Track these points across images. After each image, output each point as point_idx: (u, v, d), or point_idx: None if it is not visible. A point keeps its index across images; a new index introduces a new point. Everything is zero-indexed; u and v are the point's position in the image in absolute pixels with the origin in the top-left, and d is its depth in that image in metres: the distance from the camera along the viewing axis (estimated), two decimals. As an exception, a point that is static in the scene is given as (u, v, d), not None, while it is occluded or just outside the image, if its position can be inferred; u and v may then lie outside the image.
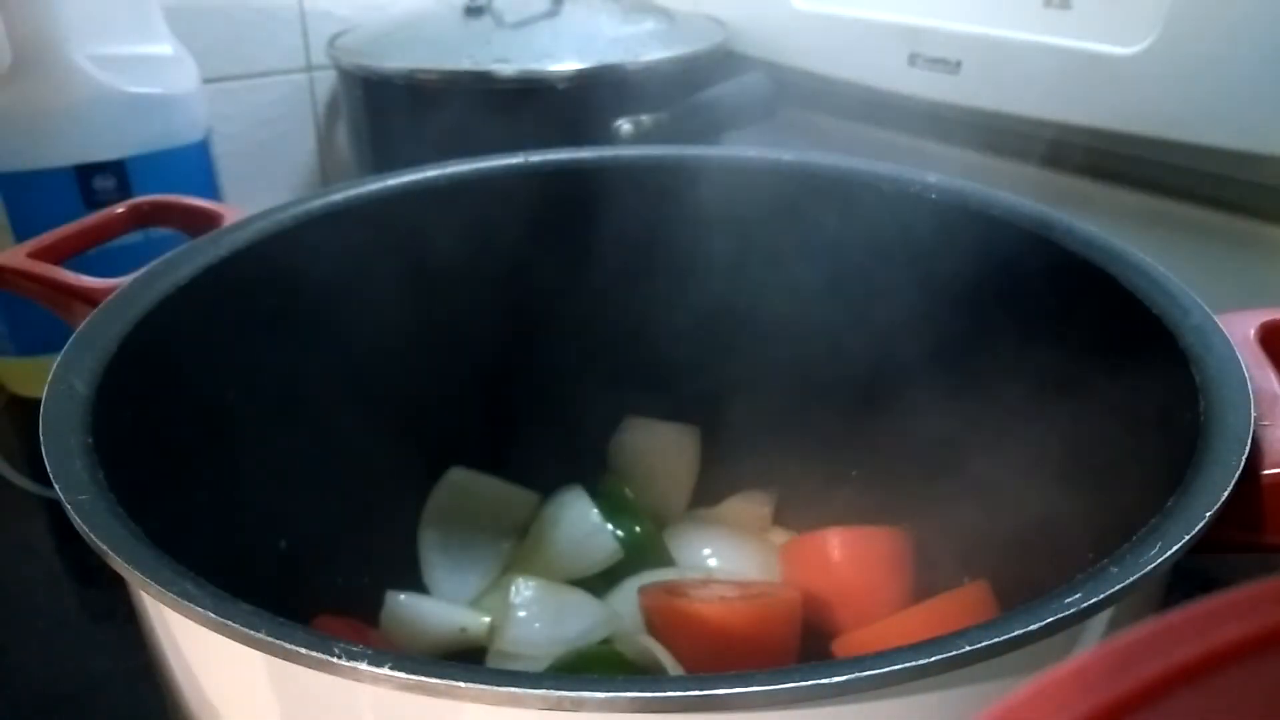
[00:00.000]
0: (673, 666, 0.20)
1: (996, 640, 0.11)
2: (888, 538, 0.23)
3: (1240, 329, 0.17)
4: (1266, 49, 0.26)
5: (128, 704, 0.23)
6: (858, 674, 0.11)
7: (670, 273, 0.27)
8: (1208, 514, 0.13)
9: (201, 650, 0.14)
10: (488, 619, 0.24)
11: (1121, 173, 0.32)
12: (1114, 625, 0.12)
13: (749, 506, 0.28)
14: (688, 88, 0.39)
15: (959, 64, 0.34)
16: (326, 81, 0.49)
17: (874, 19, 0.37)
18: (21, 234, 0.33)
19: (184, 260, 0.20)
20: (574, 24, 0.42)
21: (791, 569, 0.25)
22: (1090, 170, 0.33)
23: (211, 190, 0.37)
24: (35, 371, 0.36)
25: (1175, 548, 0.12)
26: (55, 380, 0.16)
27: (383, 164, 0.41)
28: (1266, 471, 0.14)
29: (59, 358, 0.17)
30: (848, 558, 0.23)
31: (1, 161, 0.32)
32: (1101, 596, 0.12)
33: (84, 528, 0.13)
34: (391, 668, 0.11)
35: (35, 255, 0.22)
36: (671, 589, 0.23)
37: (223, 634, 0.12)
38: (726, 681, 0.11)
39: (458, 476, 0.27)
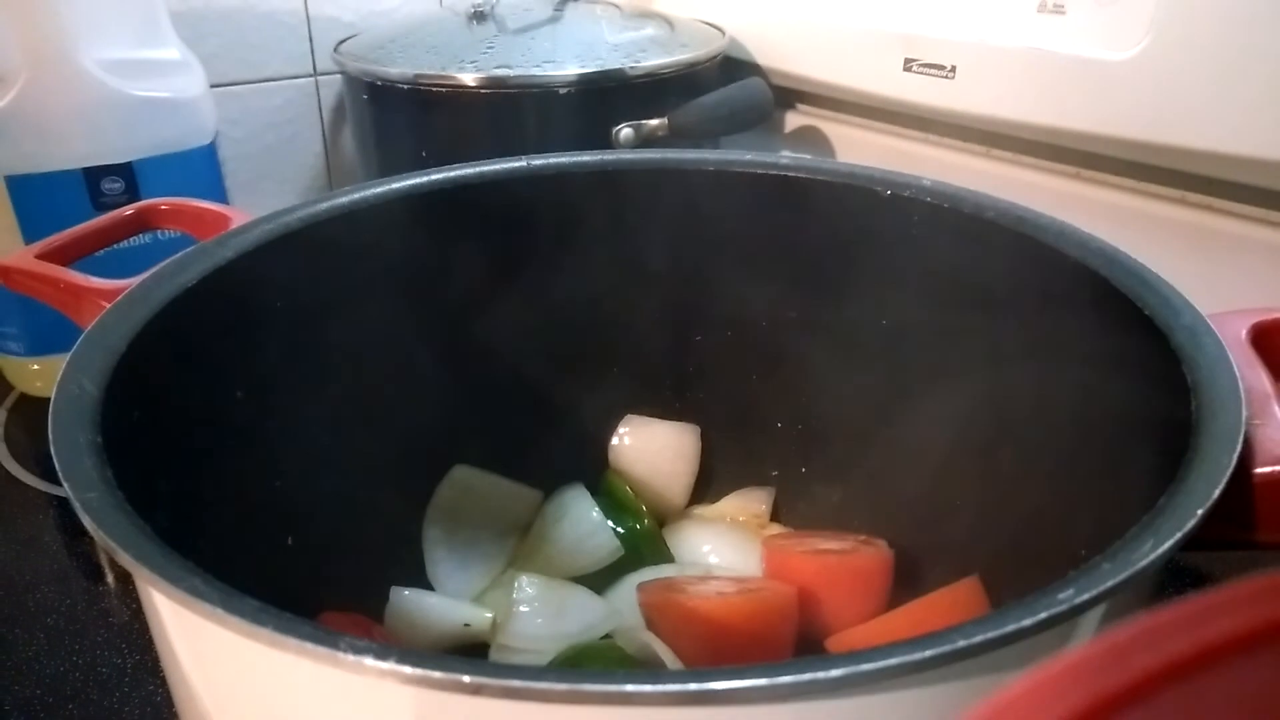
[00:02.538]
0: (672, 661, 0.20)
1: (991, 635, 0.11)
2: (855, 560, 0.23)
3: (1231, 329, 0.17)
4: (1255, 53, 0.26)
5: (136, 699, 0.23)
6: (855, 668, 0.11)
7: (670, 274, 0.27)
8: (1200, 511, 0.13)
9: (208, 645, 0.14)
10: (491, 615, 0.24)
11: (1113, 176, 0.32)
12: (1106, 621, 0.12)
13: (747, 504, 0.28)
14: (687, 93, 0.40)
15: (953, 69, 0.34)
16: (332, 86, 0.49)
17: (870, 25, 0.37)
18: (31, 235, 0.33)
19: (192, 262, 0.21)
20: (575, 30, 0.42)
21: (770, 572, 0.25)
22: (1083, 173, 0.33)
23: (219, 193, 0.37)
24: (45, 371, 0.36)
25: (1167, 545, 0.12)
26: (65, 380, 0.16)
27: (388, 168, 0.42)
28: (1258, 470, 0.14)
29: (68, 358, 0.17)
30: (817, 581, 0.23)
31: (11, 164, 0.32)
32: (1094, 593, 0.12)
33: (92, 524, 0.13)
34: (396, 662, 0.11)
35: (44, 256, 0.23)
36: (670, 585, 0.23)
37: (230, 629, 0.12)
38: (725, 676, 0.11)
39: (461, 474, 0.27)
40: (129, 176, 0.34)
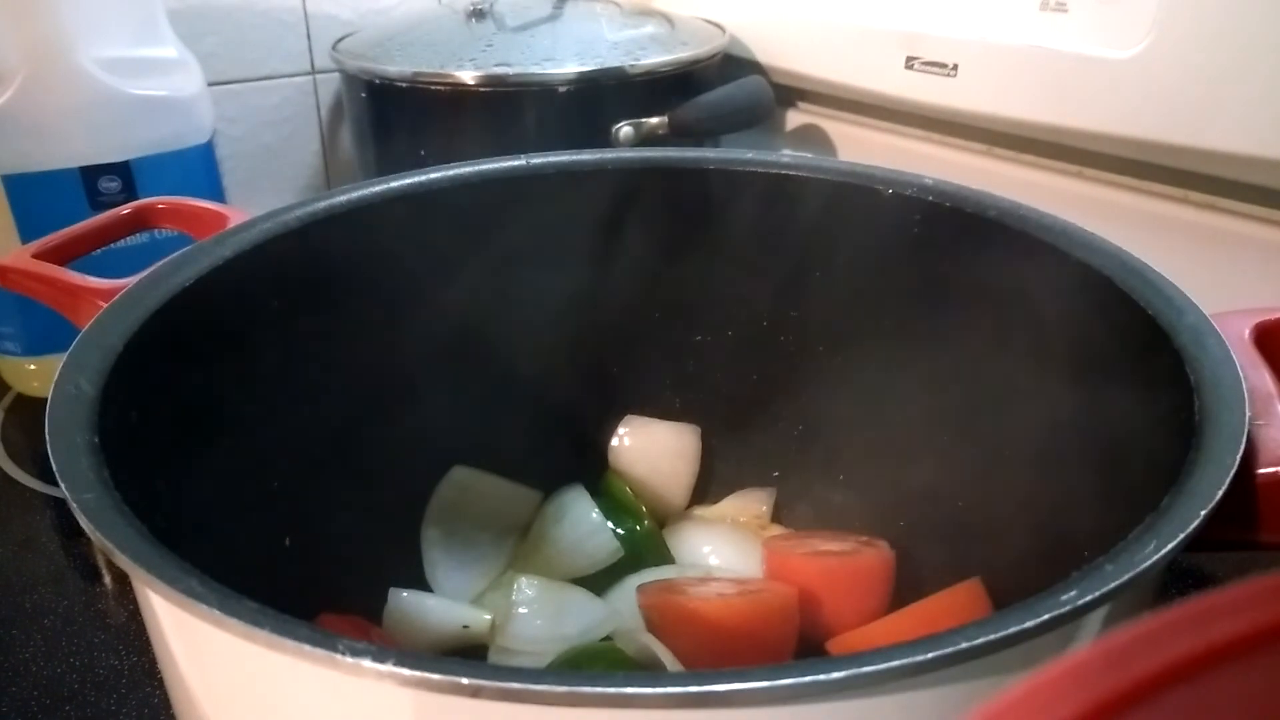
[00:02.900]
0: (672, 663, 0.20)
1: (993, 637, 0.11)
2: (855, 562, 0.23)
3: (1235, 329, 0.17)
4: (1257, 51, 0.26)
5: (134, 701, 0.23)
6: (856, 670, 0.11)
7: (670, 274, 0.27)
8: (1203, 512, 0.13)
9: (206, 647, 0.14)
10: (489, 616, 0.24)
11: (1116, 175, 0.32)
12: (1109, 622, 0.12)
13: (748, 505, 0.28)
14: (687, 91, 0.40)
15: (955, 67, 0.34)
16: (330, 85, 0.49)
17: (872, 23, 0.37)
18: (27, 235, 0.33)
19: (189, 261, 0.20)
20: (575, 27, 0.42)
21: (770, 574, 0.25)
22: (1085, 172, 0.33)
23: (216, 192, 0.37)
24: (41, 371, 0.36)
25: (1170, 546, 0.12)
26: (61, 380, 0.16)
27: (386, 166, 0.42)
28: (1261, 470, 0.14)
29: (65, 358, 0.17)
30: (818, 582, 0.22)
31: (8, 163, 0.32)
32: (1097, 594, 0.12)
33: (89, 525, 0.13)
34: (395, 664, 0.11)
35: (41, 256, 0.22)
36: (670, 587, 0.23)
37: (227, 631, 0.12)
38: (726, 678, 0.11)
39: (460, 475, 0.27)
40: (126, 175, 0.34)
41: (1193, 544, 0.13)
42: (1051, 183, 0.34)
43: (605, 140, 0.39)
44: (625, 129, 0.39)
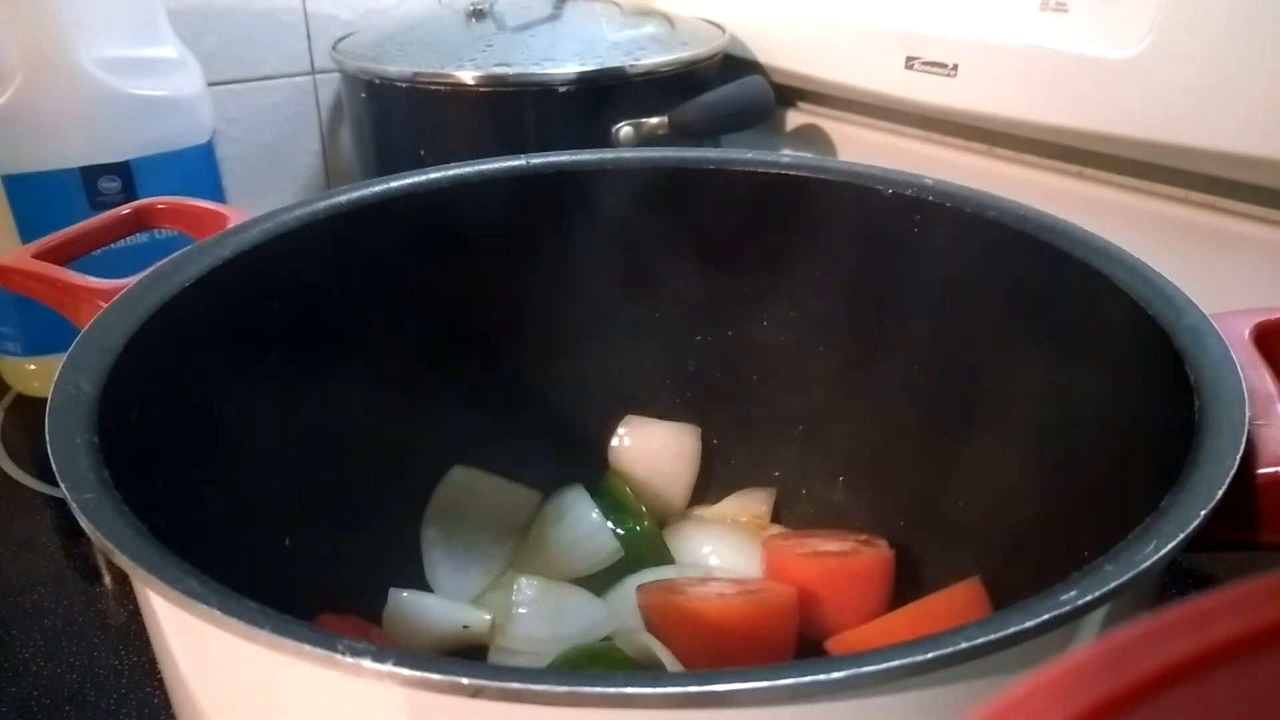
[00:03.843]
0: (672, 663, 0.20)
1: (993, 637, 0.11)
2: (857, 562, 0.23)
3: (1235, 329, 0.17)
4: (1257, 51, 0.26)
5: (134, 701, 0.23)
6: (856, 670, 0.11)
7: (670, 274, 0.27)
8: (1203, 512, 0.13)
9: (206, 647, 0.14)
10: (489, 616, 0.24)
11: (1116, 175, 0.32)
12: (1109, 622, 0.12)
13: (748, 505, 0.28)
14: (688, 91, 0.40)
15: (955, 67, 0.34)
16: (330, 85, 0.49)
17: (872, 23, 0.37)
18: (27, 235, 0.33)
19: (189, 261, 0.20)
20: (575, 28, 0.42)
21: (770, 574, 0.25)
22: (1085, 172, 0.33)
23: (216, 192, 0.37)
24: (41, 371, 0.36)
25: (1170, 546, 0.12)
26: (61, 380, 0.16)
27: (385, 166, 0.42)
28: (1261, 470, 0.14)
29: (65, 358, 0.17)
30: (818, 582, 0.22)
31: (8, 162, 0.32)
32: (1097, 594, 0.12)
33: (89, 525, 0.13)
34: (395, 664, 0.11)
35: (41, 256, 0.22)
36: (670, 587, 0.23)
37: (227, 631, 0.12)
38: (726, 678, 0.11)
39: (460, 475, 0.27)
40: (126, 175, 0.34)
41: (1193, 544, 0.13)
42: (1051, 183, 0.34)
43: (605, 140, 0.39)
44: (625, 129, 0.39)
